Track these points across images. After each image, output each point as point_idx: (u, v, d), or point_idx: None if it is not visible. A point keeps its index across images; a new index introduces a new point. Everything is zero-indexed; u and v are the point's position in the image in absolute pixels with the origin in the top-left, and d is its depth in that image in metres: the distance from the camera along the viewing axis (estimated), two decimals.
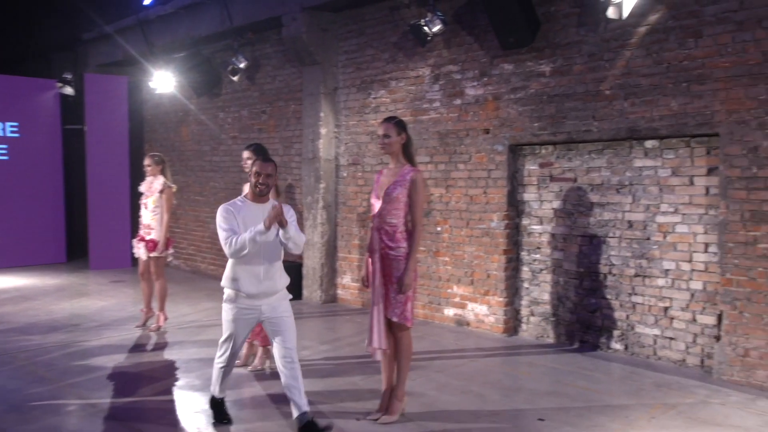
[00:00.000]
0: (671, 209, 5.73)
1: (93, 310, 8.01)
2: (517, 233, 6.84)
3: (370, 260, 4.45)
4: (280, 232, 3.99)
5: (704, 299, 5.55)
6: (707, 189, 5.52)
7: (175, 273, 10.81)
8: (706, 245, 5.54)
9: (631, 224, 5.98)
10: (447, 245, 7.26)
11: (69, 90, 11.87)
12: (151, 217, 6.87)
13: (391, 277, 4.35)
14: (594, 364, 5.75)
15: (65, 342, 6.47)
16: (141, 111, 12.37)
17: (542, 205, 6.64)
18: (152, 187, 6.93)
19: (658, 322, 5.81)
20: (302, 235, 4.14)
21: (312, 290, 8.49)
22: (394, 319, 4.36)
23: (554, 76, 6.31)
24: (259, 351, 5.62)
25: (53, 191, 11.85)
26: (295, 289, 7.10)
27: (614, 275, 6.09)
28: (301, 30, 8.11)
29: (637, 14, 5.63)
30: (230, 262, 4.13)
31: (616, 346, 6.07)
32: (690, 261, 5.63)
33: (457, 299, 7.18)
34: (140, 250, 6.92)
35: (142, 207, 6.98)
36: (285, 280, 4.22)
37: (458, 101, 7.11)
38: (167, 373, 5.54)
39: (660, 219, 5.80)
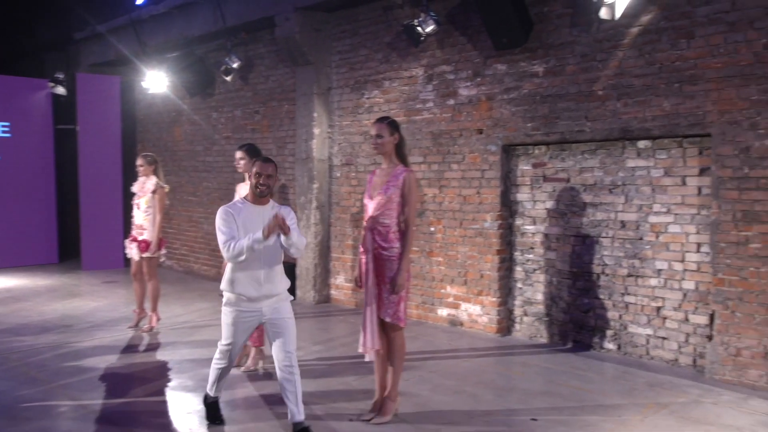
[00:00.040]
0: (664, 209, 5.75)
1: (85, 310, 7.97)
2: (511, 233, 6.85)
3: (363, 260, 4.45)
4: (282, 238, 3.93)
5: (696, 299, 5.57)
6: (699, 189, 5.55)
7: (168, 273, 10.78)
8: (699, 245, 5.56)
9: (623, 224, 5.99)
10: (440, 245, 7.26)
11: (61, 90, 11.83)
12: (144, 217, 6.85)
13: (384, 277, 4.35)
14: (587, 364, 5.76)
15: (57, 343, 6.44)
16: (133, 111, 12.32)
17: (535, 205, 6.65)
18: (145, 188, 6.91)
19: (651, 321, 5.83)
20: (303, 239, 4.08)
21: (305, 290, 8.48)
22: (387, 320, 4.36)
23: (547, 77, 6.32)
24: (252, 352, 5.61)
25: (45, 191, 11.79)
26: (289, 289, 7.07)
27: (607, 275, 6.11)
28: (294, 30, 8.10)
29: (630, 15, 5.65)
30: (230, 265, 4.07)
31: (609, 345, 6.09)
32: (682, 261, 5.65)
33: (450, 299, 7.19)
34: (132, 251, 6.90)
35: (135, 207, 6.96)
36: (285, 282, 4.16)
37: (451, 101, 7.12)
38: (160, 374, 5.52)
39: (652, 219, 5.81)
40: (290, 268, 8.44)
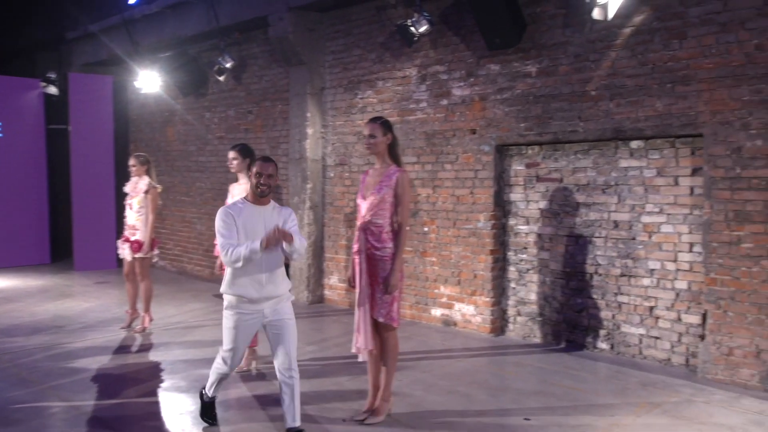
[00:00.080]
0: (656, 209, 5.76)
1: (77, 311, 7.94)
2: (504, 233, 6.86)
3: (356, 260, 4.44)
4: (284, 244, 3.85)
5: (689, 299, 5.59)
6: (692, 189, 5.56)
7: (162, 274, 10.74)
8: (691, 245, 5.58)
9: (616, 224, 6.01)
10: (434, 245, 7.27)
11: (53, 89, 11.75)
12: (136, 217, 6.82)
13: (378, 277, 4.34)
14: (580, 364, 5.77)
15: (49, 344, 6.41)
16: (126, 111, 12.28)
17: (529, 205, 6.66)
18: (137, 188, 6.88)
19: (644, 321, 5.84)
20: (304, 242, 4.01)
21: (299, 291, 8.47)
22: (381, 320, 4.36)
23: (540, 77, 6.33)
24: (246, 352, 5.59)
25: (37, 191, 11.73)
26: None
27: (600, 275, 6.12)
28: (288, 30, 8.08)
29: (623, 15, 5.67)
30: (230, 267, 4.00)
31: (602, 345, 6.10)
32: (675, 261, 5.67)
33: (444, 299, 7.19)
34: (125, 251, 6.87)
35: (127, 207, 6.93)
36: (287, 284, 4.08)
37: (445, 101, 7.12)
38: (152, 375, 5.50)
39: (645, 219, 5.83)
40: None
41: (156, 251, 6.99)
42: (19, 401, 4.79)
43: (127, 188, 6.99)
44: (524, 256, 6.71)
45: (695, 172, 5.54)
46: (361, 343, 4.36)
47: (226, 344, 4.03)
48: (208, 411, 4.36)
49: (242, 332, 3.99)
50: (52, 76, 11.77)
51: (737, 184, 5.14)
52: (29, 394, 4.97)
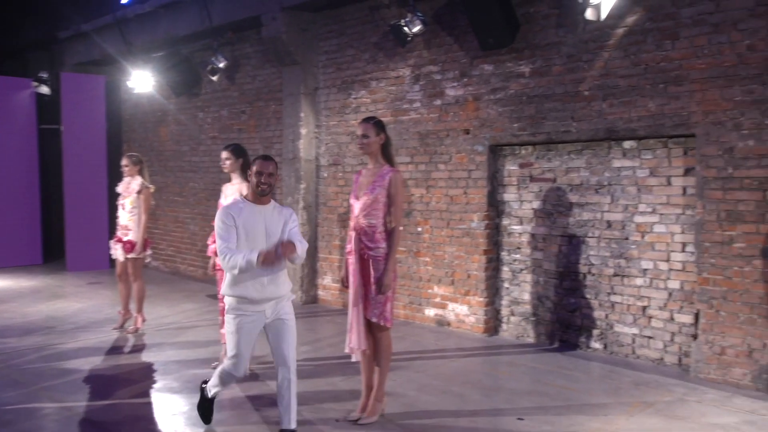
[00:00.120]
0: (649, 209, 5.78)
1: (69, 312, 7.90)
2: (498, 233, 6.86)
3: (349, 260, 4.44)
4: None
5: (681, 298, 5.61)
6: (684, 189, 5.58)
7: (155, 274, 10.71)
8: (684, 245, 5.59)
9: (609, 224, 6.02)
10: (427, 245, 7.26)
11: (45, 89, 11.69)
12: (129, 218, 6.80)
13: (371, 277, 4.34)
14: (573, 364, 5.78)
15: (41, 345, 6.37)
16: (119, 111, 12.23)
17: (522, 205, 6.67)
18: (130, 188, 6.86)
19: (637, 321, 5.86)
20: (305, 244, 3.98)
21: (292, 291, 8.43)
22: (374, 320, 4.35)
23: (533, 77, 6.34)
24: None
25: (29, 192, 11.67)
26: None
27: (593, 275, 6.13)
28: (281, 30, 8.07)
29: (615, 16, 5.68)
30: None
31: (596, 345, 6.11)
32: (667, 260, 5.68)
33: (437, 299, 7.19)
34: (117, 252, 6.84)
35: (120, 208, 6.90)
36: (288, 284, 4.05)
37: (438, 102, 7.12)
38: (145, 376, 5.48)
39: (638, 219, 5.85)
40: None
41: (149, 251, 6.96)
42: (10, 402, 4.77)
43: (120, 188, 6.96)
44: (518, 256, 6.71)
45: (688, 172, 5.56)
46: (354, 343, 4.36)
47: (230, 350, 3.95)
48: (205, 408, 4.29)
49: (245, 335, 3.90)
50: (45, 75, 11.71)
51: (729, 184, 5.16)
52: (21, 395, 4.94)
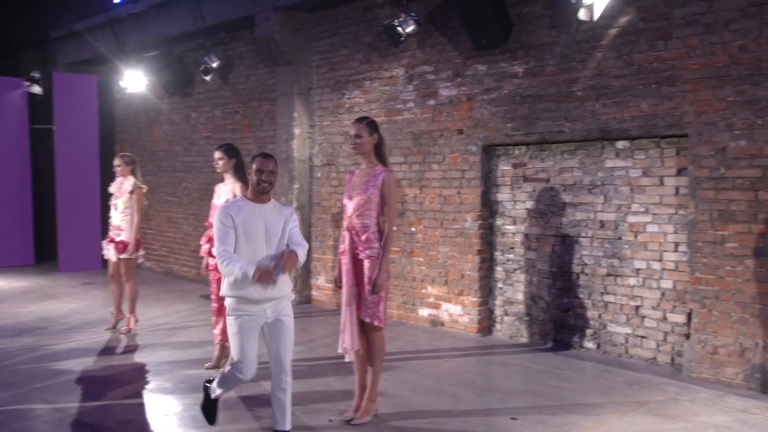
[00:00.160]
0: (642, 209, 5.80)
1: (62, 312, 7.86)
2: (491, 233, 6.87)
3: (342, 261, 4.43)
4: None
5: (674, 298, 5.62)
6: (677, 189, 5.60)
7: (148, 275, 10.67)
8: (676, 245, 5.61)
9: (602, 224, 6.04)
10: (421, 245, 7.26)
11: (37, 89, 11.63)
12: (121, 218, 6.77)
13: (364, 277, 4.33)
14: (567, 363, 5.79)
15: (32, 346, 6.34)
16: (112, 110, 12.18)
17: (516, 205, 6.68)
18: (122, 188, 6.83)
19: (630, 320, 5.87)
20: (305, 245, 3.95)
21: None
22: (367, 320, 4.35)
23: (527, 77, 6.35)
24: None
25: (21, 192, 11.60)
26: None
27: (587, 275, 6.15)
28: (275, 30, 8.05)
29: (608, 16, 5.69)
30: None
31: (589, 344, 6.13)
32: (660, 260, 5.70)
33: (431, 299, 7.19)
34: (110, 252, 6.81)
35: (112, 208, 6.88)
36: (289, 284, 3.99)
37: (432, 102, 7.12)
38: (137, 377, 5.45)
39: (631, 219, 5.86)
40: None
41: (141, 252, 6.93)
42: (2, 404, 4.74)
43: (112, 188, 6.93)
44: (511, 256, 6.72)
45: (680, 172, 5.58)
46: (347, 344, 4.36)
47: (235, 355, 3.88)
48: (209, 408, 4.19)
49: (247, 335, 3.84)
50: (37, 75, 11.65)
51: (722, 184, 5.18)
52: (13, 396, 4.91)
